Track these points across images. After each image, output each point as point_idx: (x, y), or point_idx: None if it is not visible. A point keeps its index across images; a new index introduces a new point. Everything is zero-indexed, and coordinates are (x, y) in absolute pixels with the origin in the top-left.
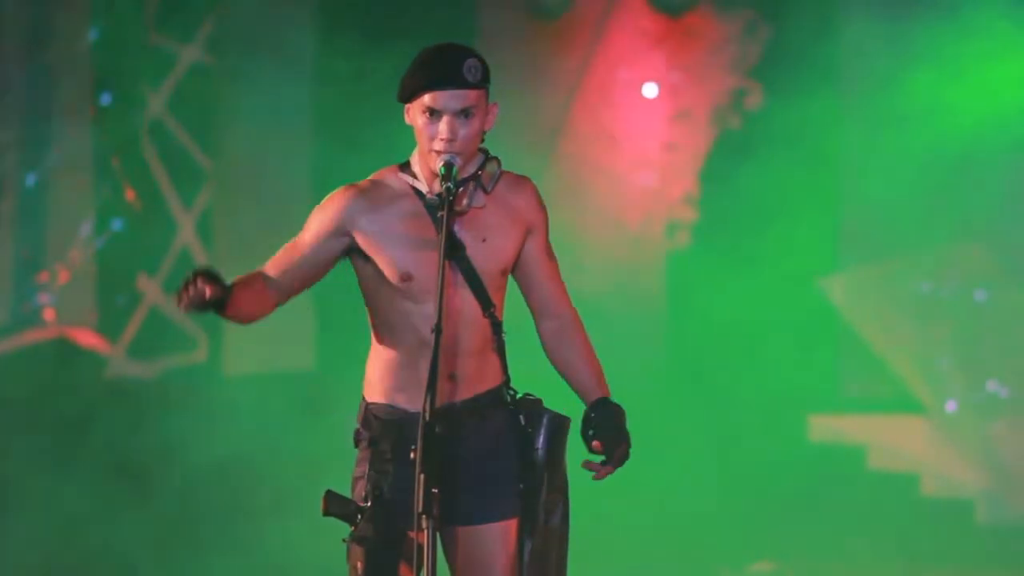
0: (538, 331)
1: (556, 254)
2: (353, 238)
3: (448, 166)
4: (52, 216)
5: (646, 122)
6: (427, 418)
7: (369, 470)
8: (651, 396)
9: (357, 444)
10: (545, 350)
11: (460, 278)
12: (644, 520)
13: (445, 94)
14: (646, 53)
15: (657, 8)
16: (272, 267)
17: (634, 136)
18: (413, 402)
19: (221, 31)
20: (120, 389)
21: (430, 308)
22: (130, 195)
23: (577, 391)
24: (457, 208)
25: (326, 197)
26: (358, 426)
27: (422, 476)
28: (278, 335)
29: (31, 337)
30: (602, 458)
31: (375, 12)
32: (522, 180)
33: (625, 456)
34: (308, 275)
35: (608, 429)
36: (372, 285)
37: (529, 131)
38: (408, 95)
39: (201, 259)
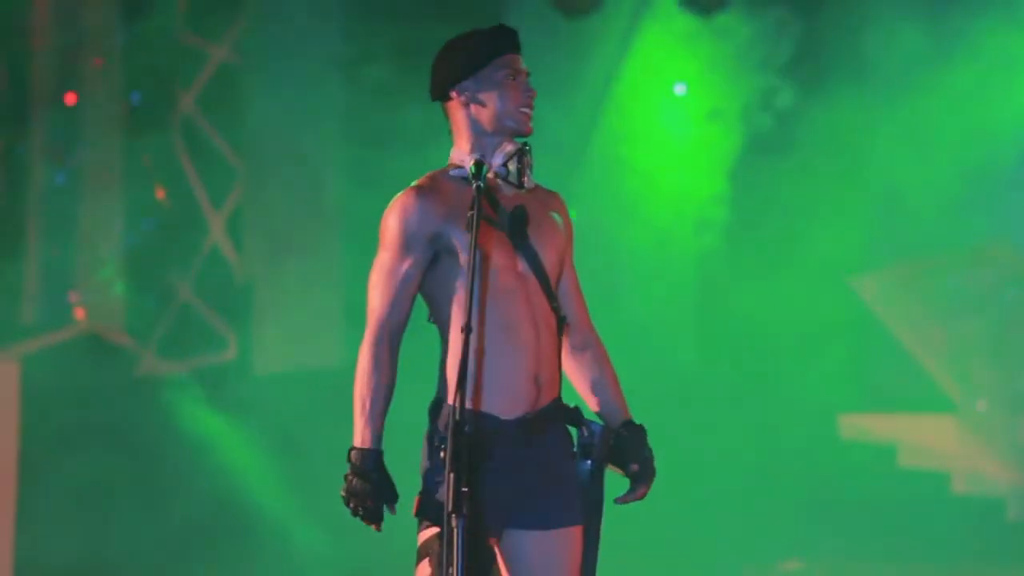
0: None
1: (588, 252)
2: (444, 240)
3: (478, 165)
4: (82, 215)
5: (676, 121)
6: (457, 417)
7: (454, 476)
8: (680, 395)
9: (434, 448)
10: (565, 363)
11: (529, 272)
12: (674, 518)
13: (520, 58)
14: (676, 52)
15: (687, 7)
16: (381, 310)
17: (664, 135)
18: (507, 408)
19: (251, 31)
20: (150, 387)
21: (516, 304)
22: (160, 194)
23: (600, 410)
24: (526, 184)
25: (395, 207)
26: (438, 430)
27: (451, 475)
28: (307, 333)
29: (62, 336)
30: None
31: (404, 12)
32: (549, 189)
33: (654, 476)
34: (414, 295)
35: (642, 453)
36: (451, 287)
37: (559, 130)
38: (486, 58)
39: (231, 258)
